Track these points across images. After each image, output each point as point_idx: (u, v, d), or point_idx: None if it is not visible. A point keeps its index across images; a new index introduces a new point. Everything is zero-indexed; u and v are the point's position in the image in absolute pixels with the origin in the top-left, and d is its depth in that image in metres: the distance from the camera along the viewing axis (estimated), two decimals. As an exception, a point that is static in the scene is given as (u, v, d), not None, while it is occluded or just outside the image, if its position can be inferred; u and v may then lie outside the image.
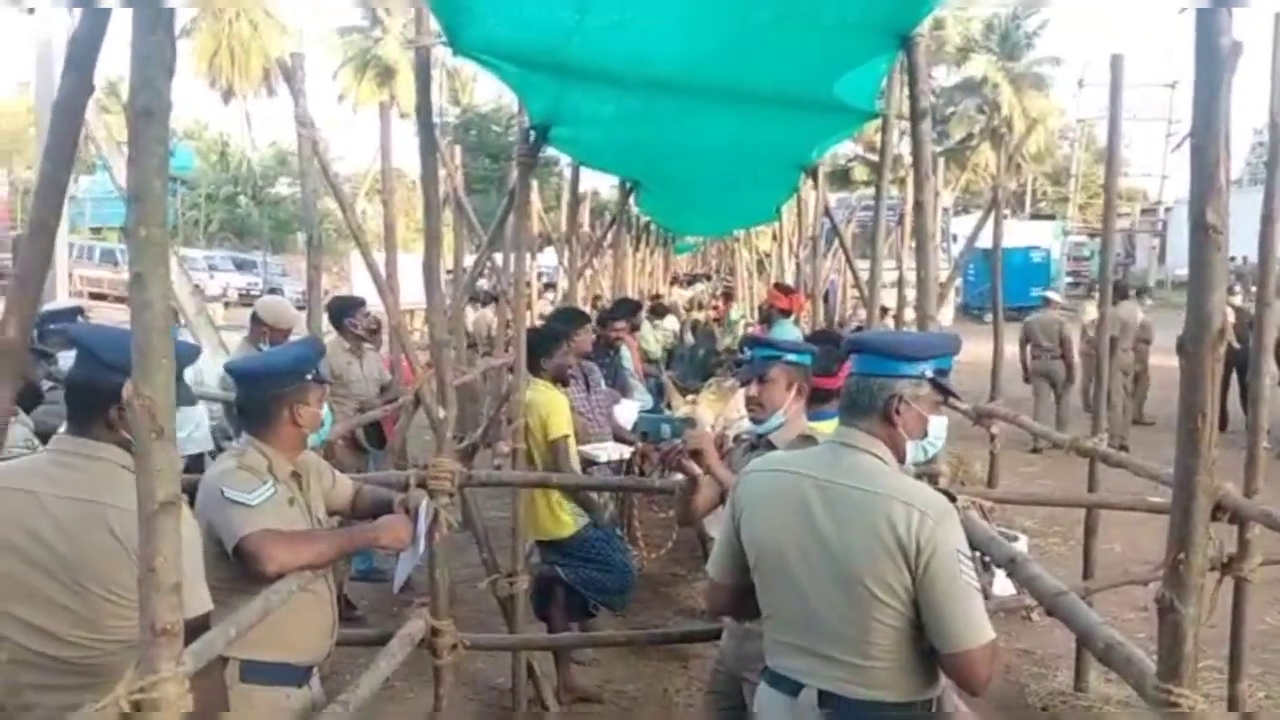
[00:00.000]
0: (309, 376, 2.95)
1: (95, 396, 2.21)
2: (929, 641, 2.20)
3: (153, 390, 1.54)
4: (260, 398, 2.92)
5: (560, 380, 5.26)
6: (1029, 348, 11.83)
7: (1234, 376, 11.25)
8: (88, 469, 2.22)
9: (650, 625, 5.90)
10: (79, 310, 6.41)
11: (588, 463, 5.32)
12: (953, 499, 2.44)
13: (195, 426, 5.50)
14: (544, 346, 5.16)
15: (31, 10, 8.81)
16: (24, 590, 2.16)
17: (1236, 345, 10.46)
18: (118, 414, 2.18)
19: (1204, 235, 1.55)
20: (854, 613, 2.22)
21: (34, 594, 2.16)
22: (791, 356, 3.29)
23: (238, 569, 2.68)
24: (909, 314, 8.63)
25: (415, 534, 3.22)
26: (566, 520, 5.06)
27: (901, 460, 2.37)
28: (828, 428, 2.72)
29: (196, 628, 2.10)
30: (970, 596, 2.17)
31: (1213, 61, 1.53)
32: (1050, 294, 12.85)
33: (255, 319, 6.33)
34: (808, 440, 2.86)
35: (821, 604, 2.27)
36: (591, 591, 5.16)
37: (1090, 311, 11.69)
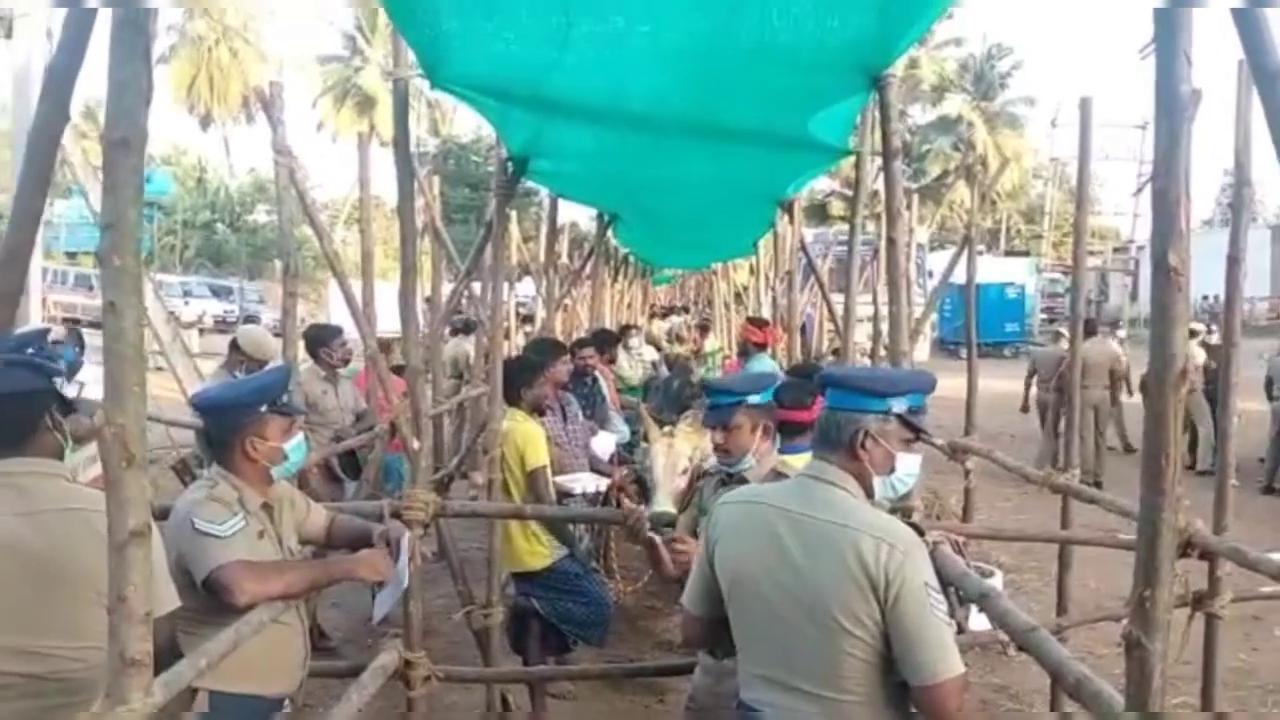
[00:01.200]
0: (264, 409, 2.90)
1: (28, 407, 2.21)
2: (900, 675, 2.21)
3: (124, 418, 1.54)
4: (221, 430, 2.90)
5: (537, 411, 5.25)
6: (1034, 379, 12.18)
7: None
8: (43, 485, 2.20)
9: (626, 658, 5.85)
10: (46, 333, 6.31)
11: (563, 495, 5.30)
12: (921, 533, 2.46)
13: None
14: (521, 377, 5.15)
15: (9, 36, 8.77)
16: (5, 615, 2.13)
17: (1204, 385, 10.61)
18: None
19: (1165, 276, 1.57)
20: (824, 645, 2.22)
21: (16, 615, 2.12)
22: (753, 399, 3.26)
23: (208, 600, 2.65)
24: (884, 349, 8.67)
25: (398, 568, 3.19)
26: (543, 551, 5.03)
27: (870, 495, 2.37)
28: (800, 461, 2.73)
29: (164, 629, 2.10)
30: (940, 629, 2.18)
31: (1173, 108, 1.56)
32: (1062, 330, 13.08)
33: (234, 346, 6.30)
34: (780, 476, 2.87)
35: (793, 636, 2.27)
36: (568, 625, 5.11)
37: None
